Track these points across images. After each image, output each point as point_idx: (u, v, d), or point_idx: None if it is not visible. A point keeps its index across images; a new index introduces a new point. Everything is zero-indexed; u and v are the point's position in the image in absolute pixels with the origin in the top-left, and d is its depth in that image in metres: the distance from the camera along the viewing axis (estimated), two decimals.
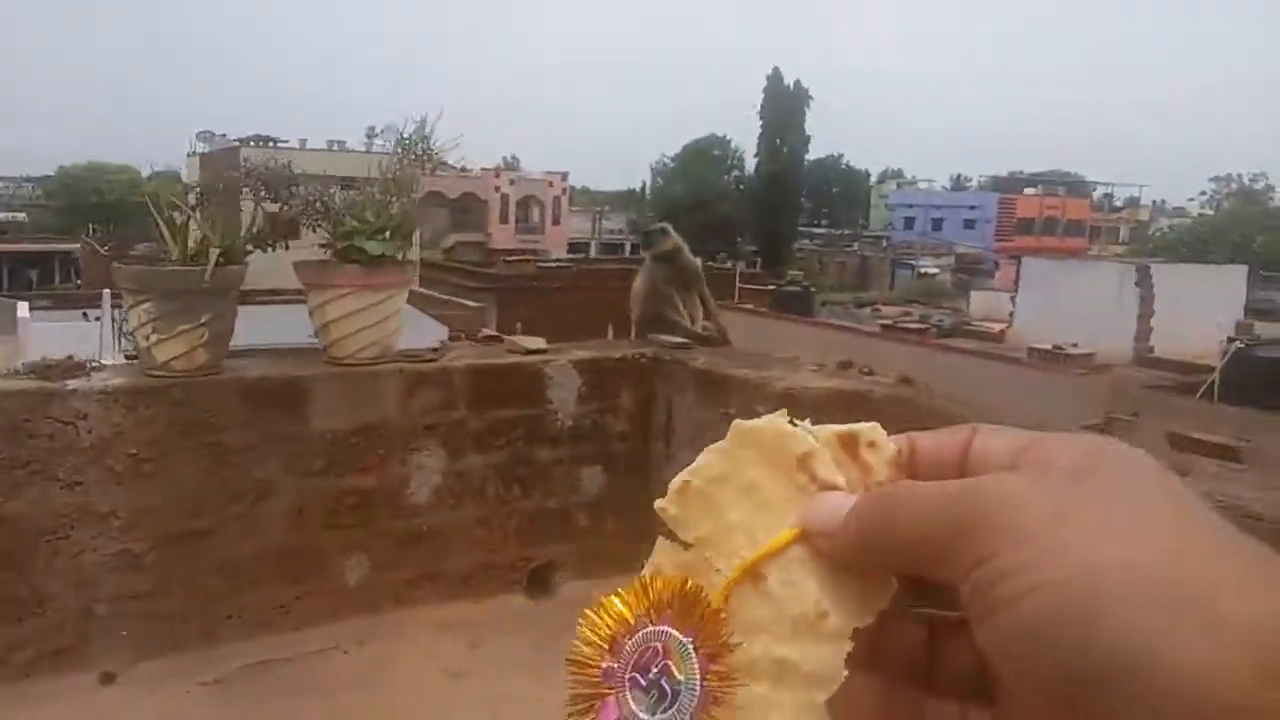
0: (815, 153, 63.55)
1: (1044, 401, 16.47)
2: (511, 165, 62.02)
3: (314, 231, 3.26)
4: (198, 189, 3.36)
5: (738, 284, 32.73)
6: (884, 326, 23.40)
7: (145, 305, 3.00)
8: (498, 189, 50.63)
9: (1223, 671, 0.30)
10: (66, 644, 2.96)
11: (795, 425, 0.43)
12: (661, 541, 0.45)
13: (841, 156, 79.75)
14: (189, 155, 40.13)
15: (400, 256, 3.33)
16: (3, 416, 2.81)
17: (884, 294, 46.73)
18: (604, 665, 0.42)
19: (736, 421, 0.44)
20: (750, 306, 26.35)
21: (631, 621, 0.42)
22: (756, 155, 57.53)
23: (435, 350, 3.60)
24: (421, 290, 32.39)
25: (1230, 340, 17.70)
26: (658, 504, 0.44)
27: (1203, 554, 0.33)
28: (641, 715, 0.41)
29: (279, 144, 36.31)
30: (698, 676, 0.40)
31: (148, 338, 3.02)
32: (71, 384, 2.92)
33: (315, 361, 3.35)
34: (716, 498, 0.43)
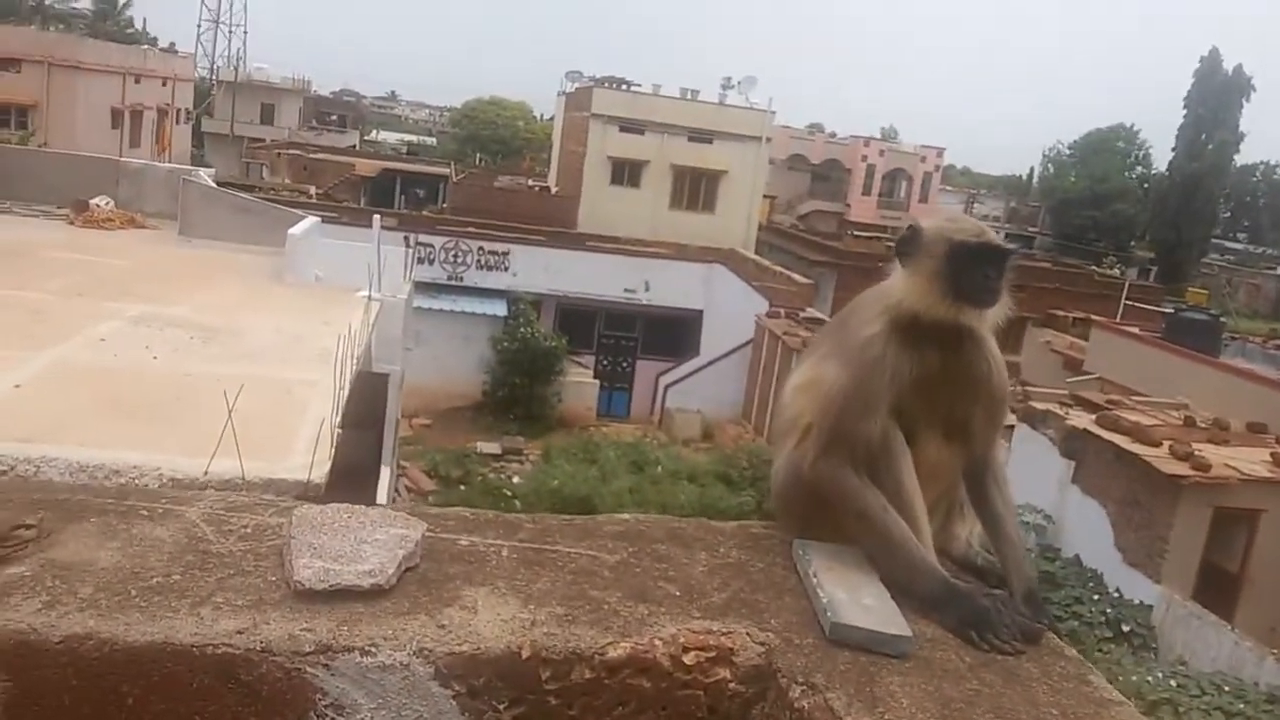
0: (1246, 155, 54.13)
1: None
2: (888, 136, 58.03)
3: None
4: None
5: (1124, 299, 27.57)
6: None
7: None
8: (864, 158, 47.11)
9: None
10: None
11: None
12: None
13: (1278, 167, 67.84)
14: (558, 95, 40.02)
15: None
16: None
17: None
18: None
19: None
20: (1137, 329, 21.59)
21: None
22: (1173, 149, 49.67)
23: None
24: (753, 256, 30.18)
25: None
26: None
27: None
28: None
29: (633, 87, 34.79)
30: None
31: None
32: None
33: None
34: None
